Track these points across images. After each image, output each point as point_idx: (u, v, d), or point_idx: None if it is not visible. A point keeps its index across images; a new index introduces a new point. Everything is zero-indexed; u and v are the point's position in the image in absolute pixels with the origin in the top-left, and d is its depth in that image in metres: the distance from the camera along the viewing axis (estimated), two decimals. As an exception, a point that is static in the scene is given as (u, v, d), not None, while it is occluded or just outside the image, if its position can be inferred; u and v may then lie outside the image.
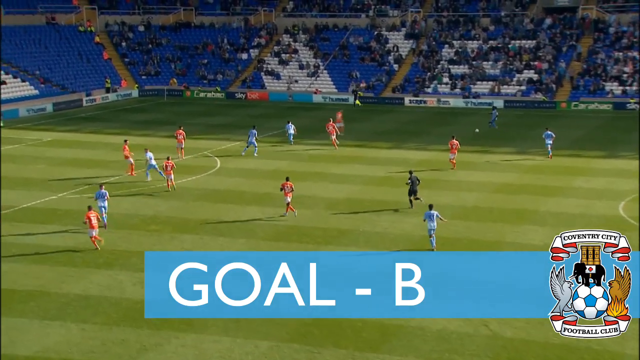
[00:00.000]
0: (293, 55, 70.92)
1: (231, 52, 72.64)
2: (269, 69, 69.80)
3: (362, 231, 28.03)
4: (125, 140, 38.25)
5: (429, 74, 66.09)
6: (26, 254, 24.84)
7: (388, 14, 73.45)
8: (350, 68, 68.65)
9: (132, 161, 36.32)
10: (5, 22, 67.75)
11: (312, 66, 69.42)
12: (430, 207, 25.67)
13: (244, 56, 72.13)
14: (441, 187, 34.38)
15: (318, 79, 68.45)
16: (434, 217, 25.06)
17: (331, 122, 44.11)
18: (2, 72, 59.85)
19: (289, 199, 29.40)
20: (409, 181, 30.62)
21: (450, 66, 66.35)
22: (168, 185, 33.17)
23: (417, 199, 30.57)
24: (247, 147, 41.37)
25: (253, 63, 71.50)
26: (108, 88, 65.35)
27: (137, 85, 68.64)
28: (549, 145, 39.48)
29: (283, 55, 71.08)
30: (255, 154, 40.96)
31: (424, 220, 25.44)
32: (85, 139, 42.85)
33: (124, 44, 73.46)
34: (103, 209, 27.95)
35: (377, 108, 61.29)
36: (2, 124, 50.31)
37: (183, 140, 39.96)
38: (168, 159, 33.55)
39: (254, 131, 41.37)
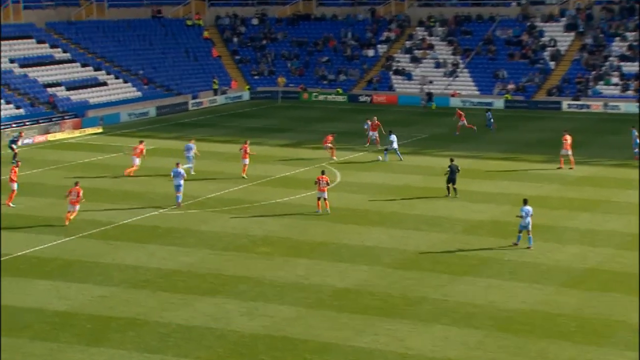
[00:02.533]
0: (428, 51, 70.55)
1: (355, 48, 73.19)
2: (399, 68, 69.77)
3: (506, 260, 27.37)
4: (246, 141, 40.16)
5: (593, 73, 63.88)
6: (125, 276, 25.92)
7: (544, 1, 71.70)
8: (495, 66, 67.50)
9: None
10: (108, 16, 71.53)
11: (450, 64, 68.78)
12: (525, 202, 28.48)
13: (371, 53, 72.49)
14: (609, 210, 33.07)
15: (457, 79, 67.72)
16: (530, 213, 28.03)
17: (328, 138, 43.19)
18: (102, 71, 63.12)
19: (325, 195, 32.50)
20: (448, 169, 35.11)
21: (622, 63, 63.83)
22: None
23: (454, 189, 35.15)
24: (387, 152, 42.95)
25: (380, 61, 71.73)
26: (216, 90, 67.44)
27: (248, 87, 70.44)
28: None
29: (416, 51, 70.86)
30: (382, 159, 41.96)
31: (520, 217, 28.22)
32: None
33: (235, 39, 75.65)
34: (179, 187, 33.16)
35: (528, 114, 59.88)
36: (102, 130, 53.00)
37: (247, 156, 39.18)
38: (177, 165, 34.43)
39: (394, 136, 43.01)
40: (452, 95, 65.38)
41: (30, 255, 27.83)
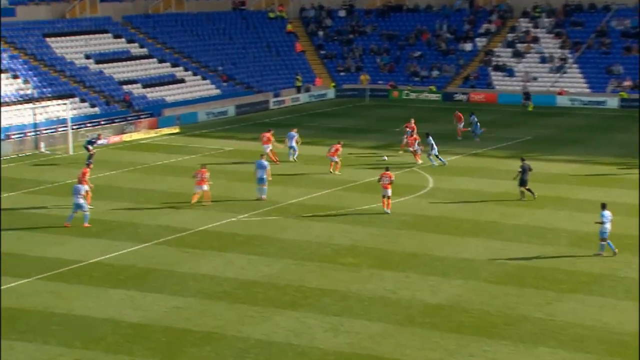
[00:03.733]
0: (532, 45, 69.49)
1: (451, 41, 72.71)
2: (500, 63, 68.94)
3: (621, 277, 26.73)
4: (339, 142, 41.79)
5: None
6: (201, 287, 26.41)
7: (667, -13, 69.80)
8: (610, 61, 65.99)
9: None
10: (187, 9, 73.00)
11: (558, 59, 67.55)
12: (604, 206, 28.66)
13: (468, 47, 71.87)
14: None
15: (564, 75, 66.45)
16: (609, 218, 28.19)
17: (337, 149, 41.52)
18: (180, 67, 64.45)
19: (389, 193, 33.82)
20: (520, 170, 35.24)
21: None
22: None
23: (529, 190, 35.16)
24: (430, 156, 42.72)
25: (479, 56, 71.03)
26: (299, 87, 67.98)
27: (333, 84, 70.77)
28: None
29: (519, 45, 69.91)
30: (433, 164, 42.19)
31: (600, 223, 28.26)
32: (303, 151, 44.97)
33: (320, 32, 76.14)
34: (262, 180, 35.60)
35: (645, 114, 58.33)
36: (179, 130, 54.08)
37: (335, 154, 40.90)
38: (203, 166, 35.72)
39: (475, 120, 43.56)
40: (559, 94, 64.18)
41: (104, 262, 28.63)
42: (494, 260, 28.64)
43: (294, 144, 44.10)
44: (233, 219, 33.88)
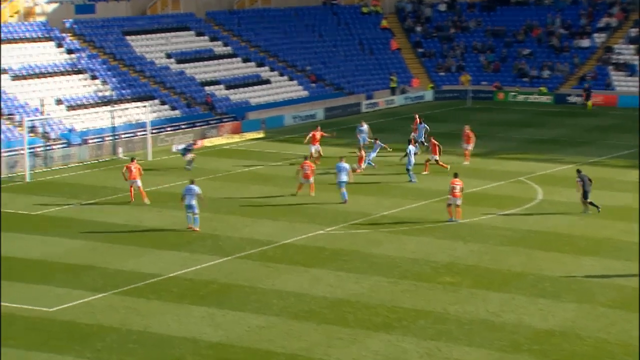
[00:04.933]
0: (657, 40, 67.83)
1: (565, 37, 71.55)
2: (621, 62, 67.44)
3: None
4: (317, 127, 44.57)
5: None
6: (286, 305, 26.56)
7: None
8: None
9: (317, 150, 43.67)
10: (274, 4, 73.72)
11: (686, 56, 65.78)
12: None
13: (585, 43, 70.57)
14: None
15: (695, 75, 64.65)
16: None
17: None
18: (266, 67, 65.11)
19: (458, 202, 34.33)
20: (579, 180, 35.24)
21: None
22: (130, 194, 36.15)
23: (591, 203, 35.07)
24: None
25: (597, 53, 69.70)
26: (394, 88, 67.92)
27: (431, 85, 70.47)
28: None
29: (641, 41, 68.32)
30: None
31: None
32: (380, 157, 44.92)
33: (418, 28, 75.93)
34: (342, 184, 37.35)
35: None
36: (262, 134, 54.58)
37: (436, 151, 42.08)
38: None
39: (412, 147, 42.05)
40: (687, 96, 62.47)
41: (184, 277, 29.09)
42: (611, 281, 28.02)
43: (365, 137, 46.13)
44: (320, 232, 34.01)
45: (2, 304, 26.34)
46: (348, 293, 27.45)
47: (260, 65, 65.18)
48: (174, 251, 31.74)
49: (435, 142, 43.54)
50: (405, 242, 32.51)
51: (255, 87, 62.77)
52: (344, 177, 37.94)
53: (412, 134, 47.91)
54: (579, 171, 36.37)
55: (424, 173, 42.67)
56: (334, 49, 71.07)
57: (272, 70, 65.25)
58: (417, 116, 50.05)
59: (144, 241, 32.97)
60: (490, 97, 68.00)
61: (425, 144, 46.67)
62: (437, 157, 43.21)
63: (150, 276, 28.93)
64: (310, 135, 45.83)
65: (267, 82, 63.93)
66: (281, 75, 65.24)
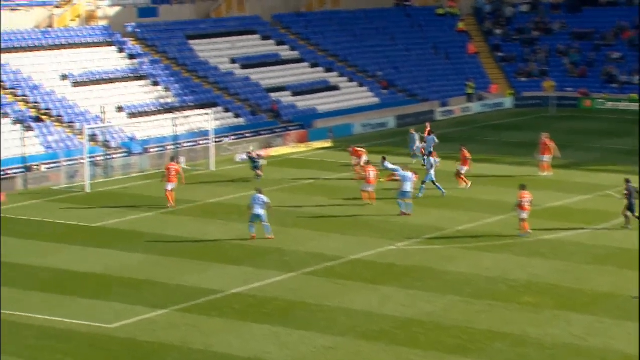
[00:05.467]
0: None
1: (659, 40, 70.40)
2: None
3: None
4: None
5: None
6: (354, 324, 26.59)
7: None
8: None
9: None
10: (344, 6, 73.94)
11: None
12: None
13: (680, 46, 69.40)
14: None
15: None
16: None
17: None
18: (334, 72, 65.33)
19: (524, 215, 34.59)
20: (626, 192, 35.12)
21: None
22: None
23: (637, 217, 34.92)
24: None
25: (693, 56, 68.43)
26: (470, 95, 67.61)
27: (511, 91, 69.95)
28: None
29: None
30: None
31: None
32: (442, 167, 44.82)
33: (498, 31, 75.50)
34: (406, 194, 37.62)
35: None
36: (330, 142, 54.77)
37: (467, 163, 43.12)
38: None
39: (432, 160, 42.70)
40: None
41: (247, 293, 29.36)
42: (703, 304, 27.50)
43: (416, 147, 46.73)
44: (390, 247, 34.06)
45: (60, 319, 26.94)
46: (420, 312, 27.46)
47: (328, 70, 65.52)
48: (237, 266, 32.09)
49: (467, 153, 43.17)
50: (481, 259, 32.39)
51: (323, 94, 63.09)
52: (408, 188, 37.97)
53: (422, 143, 48.02)
54: (627, 181, 35.93)
55: (463, 186, 42.30)
56: (406, 53, 71.10)
57: (341, 75, 65.52)
58: (428, 125, 49.86)
59: (207, 255, 33.40)
60: (575, 105, 67.21)
61: (433, 158, 45.72)
62: (464, 169, 42.87)
63: (213, 292, 29.29)
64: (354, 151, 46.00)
65: (336, 88, 64.21)
66: (350, 81, 65.47)
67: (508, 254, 32.97)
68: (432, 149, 46.83)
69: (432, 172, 41.18)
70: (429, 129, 49.25)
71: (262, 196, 34.71)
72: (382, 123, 60.97)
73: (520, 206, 34.78)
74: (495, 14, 76.84)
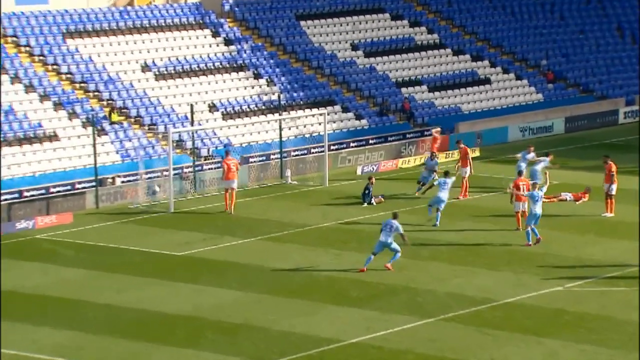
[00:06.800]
0: None
1: None
2: None
3: None
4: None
5: None
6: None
7: None
8: None
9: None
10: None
11: None
12: None
13: None
14: None
15: None
16: None
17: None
18: (485, 61, 64.93)
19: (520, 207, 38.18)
20: None
21: None
22: None
23: None
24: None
25: None
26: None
27: None
28: None
29: None
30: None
31: None
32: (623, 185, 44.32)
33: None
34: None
35: None
36: (475, 153, 54.54)
37: None
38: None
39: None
40: None
41: (369, 343, 29.34)
42: None
43: (538, 169, 44.78)
44: (558, 288, 33.79)
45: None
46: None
47: (477, 59, 65.28)
48: (356, 308, 32.20)
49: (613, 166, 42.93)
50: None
51: (470, 89, 62.94)
52: (538, 209, 38.31)
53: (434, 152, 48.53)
54: None
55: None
56: (580, 37, 70.27)
57: (493, 65, 65.23)
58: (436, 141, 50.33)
59: (319, 293, 33.65)
60: None
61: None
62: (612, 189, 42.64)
63: (326, 341, 29.42)
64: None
65: (486, 81, 63.97)
66: (505, 72, 65.12)
67: None
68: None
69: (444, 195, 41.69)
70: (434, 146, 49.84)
71: (394, 222, 34.96)
72: (546, 127, 60.51)
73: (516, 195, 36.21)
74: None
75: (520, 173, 42.36)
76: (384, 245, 34.98)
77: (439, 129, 54.40)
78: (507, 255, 37.53)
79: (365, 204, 44.76)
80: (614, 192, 42.37)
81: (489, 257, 37.33)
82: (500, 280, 34.75)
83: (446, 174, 42.64)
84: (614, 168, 42.69)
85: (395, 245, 35.09)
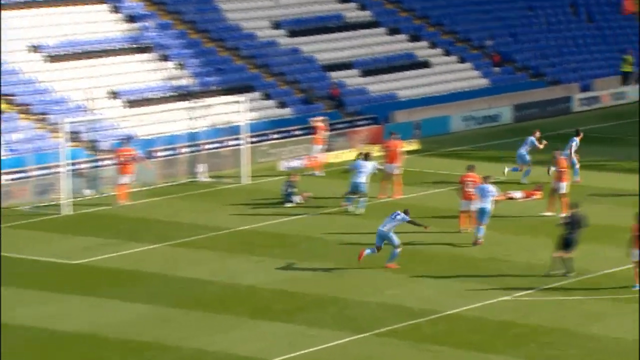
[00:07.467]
0: None
1: None
2: None
3: None
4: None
5: None
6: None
7: None
8: None
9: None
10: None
11: None
12: None
13: None
14: None
15: None
16: None
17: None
18: (423, 41, 65.11)
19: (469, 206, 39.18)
20: None
21: None
22: None
23: None
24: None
25: None
26: (627, 74, 67.20)
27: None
28: None
29: None
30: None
31: None
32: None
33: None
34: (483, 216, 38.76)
35: None
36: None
37: None
38: None
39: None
40: None
41: (294, 362, 29.52)
42: None
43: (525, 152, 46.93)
44: (505, 298, 34.00)
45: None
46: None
47: (414, 39, 65.62)
48: (280, 322, 32.18)
49: (563, 161, 43.67)
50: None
51: (407, 73, 63.33)
52: (488, 205, 38.71)
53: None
54: None
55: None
56: (530, 14, 70.89)
57: (433, 46, 65.64)
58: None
59: (238, 306, 33.56)
60: None
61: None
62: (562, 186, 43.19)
63: (246, 361, 29.49)
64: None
65: (425, 64, 64.35)
66: (447, 54, 65.61)
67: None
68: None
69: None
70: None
71: (403, 214, 36.54)
72: (492, 116, 61.06)
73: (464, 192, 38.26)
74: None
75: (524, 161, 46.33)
76: (383, 236, 35.85)
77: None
78: (450, 261, 37.70)
79: (289, 204, 44.70)
80: (564, 191, 42.58)
81: (430, 263, 37.46)
82: (442, 289, 34.87)
83: (366, 156, 44.10)
84: (564, 164, 43.03)
85: (395, 238, 35.76)
